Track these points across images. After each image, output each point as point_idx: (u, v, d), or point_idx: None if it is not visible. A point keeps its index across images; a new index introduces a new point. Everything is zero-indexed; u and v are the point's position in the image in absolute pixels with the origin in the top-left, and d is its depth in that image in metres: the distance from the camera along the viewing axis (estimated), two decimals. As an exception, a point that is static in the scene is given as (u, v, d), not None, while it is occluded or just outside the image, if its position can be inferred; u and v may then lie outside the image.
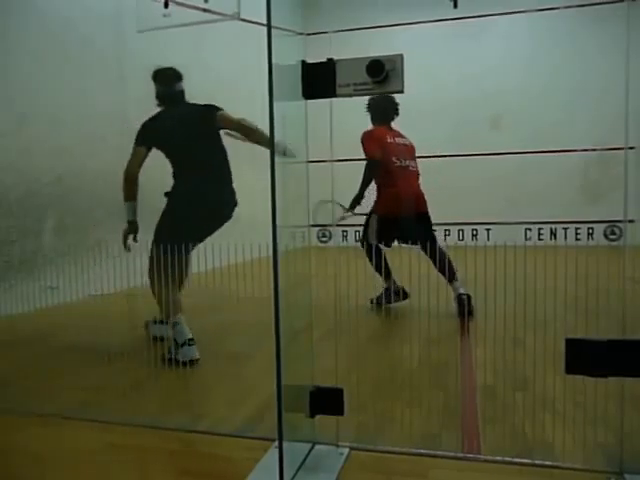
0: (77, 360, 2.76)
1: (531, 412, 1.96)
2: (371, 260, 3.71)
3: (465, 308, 3.33)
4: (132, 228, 3.02)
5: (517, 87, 8.00)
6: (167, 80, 3.08)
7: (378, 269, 3.74)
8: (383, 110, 3.84)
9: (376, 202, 3.77)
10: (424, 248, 3.35)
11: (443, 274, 3.43)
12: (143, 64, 5.21)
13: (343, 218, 3.80)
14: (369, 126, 3.88)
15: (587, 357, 1.42)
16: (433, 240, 3.70)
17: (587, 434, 1.75)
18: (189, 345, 2.65)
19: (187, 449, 1.73)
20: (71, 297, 3.67)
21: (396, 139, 3.83)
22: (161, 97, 3.11)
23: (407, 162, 3.80)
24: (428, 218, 3.82)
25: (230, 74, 6.44)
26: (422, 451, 1.64)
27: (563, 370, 1.44)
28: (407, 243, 3.54)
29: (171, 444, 1.76)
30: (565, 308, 2.96)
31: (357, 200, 3.73)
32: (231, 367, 2.60)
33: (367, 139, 3.77)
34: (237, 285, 3.25)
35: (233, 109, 6.22)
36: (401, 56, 1.39)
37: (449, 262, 3.52)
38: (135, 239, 3.00)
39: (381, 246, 3.76)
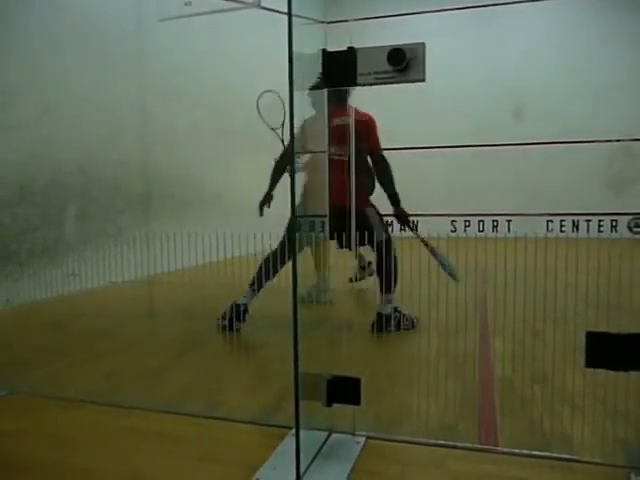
0: (97, 345, 2.81)
1: (550, 405, 1.95)
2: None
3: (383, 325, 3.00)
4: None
5: (544, 77, 7.88)
6: None
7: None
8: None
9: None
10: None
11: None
12: (163, 53, 5.26)
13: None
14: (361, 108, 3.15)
15: (608, 351, 1.40)
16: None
17: (607, 428, 1.73)
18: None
19: (205, 435, 1.75)
20: (92, 284, 3.73)
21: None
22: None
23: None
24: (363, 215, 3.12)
25: (251, 63, 6.43)
26: (439, 442, 1.64)
27: (583, 364, 1.43)
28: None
29: (190, 429, 1.78)
30: (586, 301, 2.92)
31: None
32: (249, 355, 2.62)
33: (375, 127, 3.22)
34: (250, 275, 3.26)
35: (253, 98, 6.23)
36: (423, 45, 1.38)
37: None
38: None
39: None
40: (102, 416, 1.90)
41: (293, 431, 1.41)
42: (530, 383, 2.18)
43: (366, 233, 2.78)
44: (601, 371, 1.42)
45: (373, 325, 2.96)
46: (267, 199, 3.42)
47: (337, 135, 2.91)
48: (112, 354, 2.67)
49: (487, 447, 1.63)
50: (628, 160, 6.95)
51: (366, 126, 3.14)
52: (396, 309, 3.03)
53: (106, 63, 4.72)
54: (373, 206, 3.18)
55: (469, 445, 1.63)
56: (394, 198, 3.11)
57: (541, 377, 2.22)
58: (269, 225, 3.20)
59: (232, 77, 6.27)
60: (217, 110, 6.06)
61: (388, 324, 2.98)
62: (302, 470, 1.42)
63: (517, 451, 1.59)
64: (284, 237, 2.86)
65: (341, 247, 2.85)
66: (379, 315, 2.98)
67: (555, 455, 1.55)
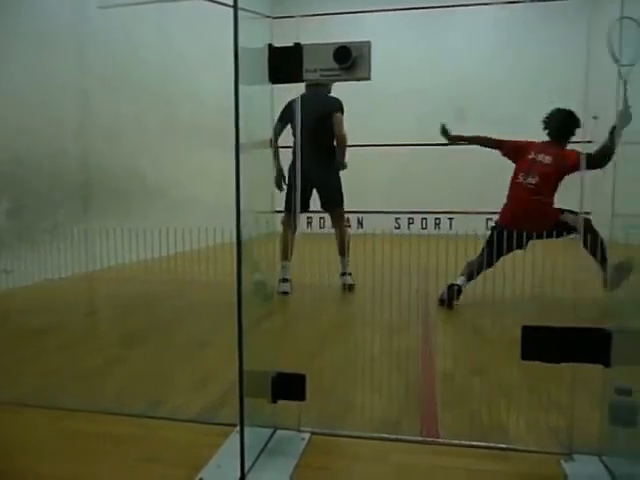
0: (33, 345, 2.70)
1: (488, 397, 2.02)
2: None
3: None
4: (279, 173, 3.88)
5: (481, 78, 8.11)
6: None
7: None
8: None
9: None
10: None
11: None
12: (105, 42, 5.09)
13: None
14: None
15: (542, 344, 1.46)
16: None
17: (540, 418, 1.81)
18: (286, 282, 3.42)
19: (146, 435, 1.71)
20: (27, 281, 3.58)
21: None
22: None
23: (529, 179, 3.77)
24: None
25: (197, 56, 6.32)
26: (382, 435, 1.67)
27: (519, 356, 1.49)
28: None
29: (130, 430, 1.74)
30: (523, 296, 3.04)
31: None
32: (193, 352, 2.58)
33: None
34: (200, 270, 3.23)
35: (199, 92, 6.13)
36: (369, 43, 1.39)
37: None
38: (285, 181, 3.89)
39: None
40: (39, 418, 1.83)
41: (238, 428, 1.40)
42: (470, 376, 2.25)
43: None
44: (536, 363, 1.49)
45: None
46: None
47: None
48: (49, 353, 2.56)
49: (428, 439, 1.67)
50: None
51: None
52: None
53: (46, 51, 4.52)
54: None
55: (411, 438, 1.67)
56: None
57: (480, 370, 2.29)
58: (217, 219, 3.16)
59: (178, 69, 6.14)
60: (162, 101, 5.92)
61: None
62: (247, 468, 1.41)
63: (456, 442, 1.64)
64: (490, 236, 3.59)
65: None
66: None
67: (492, 445, 1.61)
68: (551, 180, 3.67)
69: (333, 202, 3.98)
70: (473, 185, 7.88)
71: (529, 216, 3.68)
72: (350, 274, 3.88)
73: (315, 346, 2.59)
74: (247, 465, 1.41)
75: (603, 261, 3.34)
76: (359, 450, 1.61)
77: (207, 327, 3.02)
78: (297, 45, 1.43)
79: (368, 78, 1.41)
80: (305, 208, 3.93)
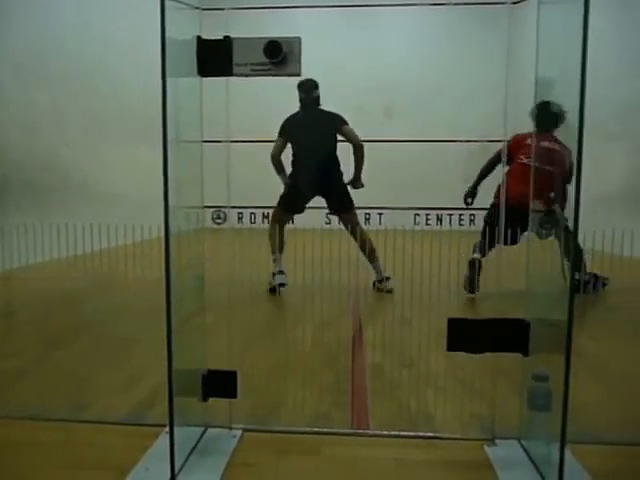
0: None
1: (415, 388, 2.08)
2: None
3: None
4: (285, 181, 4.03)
5: (410, 78, 8.31)
6: (307, 88, 3.92)
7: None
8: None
9: None
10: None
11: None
12: (20, 28, 4.79)
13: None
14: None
15: (465, 335, 1.52)
16: None
17: (464, 406, 1.89)
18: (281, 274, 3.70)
19: (71, 440, 1.64)
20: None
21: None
22: (302, 102, 3.99)
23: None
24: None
25: (123, 45, 6.09)
26: (314, 429, 1.69)
27: (445, 348, 1.54)
28: None
29: (52, 436, 1.66)
30: (449, 289, 3.16)
31: None
32: (120, 352, 2.50)
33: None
34: (127, 267, 3.12)
35: (125, 83, 5.91)
36: (299, 39, 1.39)
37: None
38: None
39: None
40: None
41: (167, 429, 1.37)
42: (399, 368, 2.31)
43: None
44: (461, 353, 1.55)
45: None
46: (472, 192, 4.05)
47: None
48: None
49: (359, 431, 1.71)
50: (485, 159, 7.57)
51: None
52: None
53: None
54: None
55: (342, 430, 1.70)
56: None
57: (408, 362, 2.36)
58: (144, 215, 3.07)
59: (103, 58, 5.89)
60: (84, 92, 5.66)
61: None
62: (177, 469, 1.38)
63: (386, 432, 1.68)
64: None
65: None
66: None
67: (420, 434, 1.67)
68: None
69: (344, 206, 4.00)
70: (398, 180, 8.08)
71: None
72: (389, 278, 3.79)
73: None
74: (177, 466, 1.39)
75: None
76: (291, 445, 1.62)
77: (134, 326, 2.93)
78: (227, 38, 1.41)
79: (298, 74, 1.41)
80: (301, 211, 4.06)
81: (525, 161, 3.81)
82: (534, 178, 3.26)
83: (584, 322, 3.02)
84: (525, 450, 1.56)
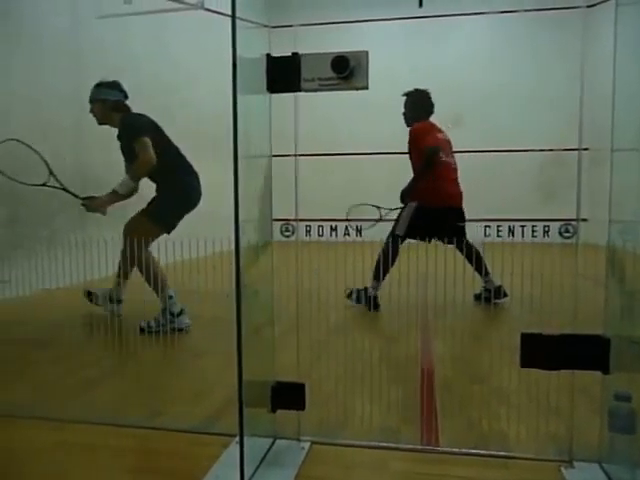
0: (30, 356, 2.68)
1: (487, 405, 2.01)
2: (387, 254, 3.54)
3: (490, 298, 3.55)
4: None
5: (478, 86, 8.15)
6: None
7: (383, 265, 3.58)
8: (422, 106, 4.06)
9: (415, 193, 3.73)
10: (457, 244, 3.48)
11: (478, 272, 3.46)
12: (102, 51, 5.10)
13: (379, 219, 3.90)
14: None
15: (540, 351, 1.46)
16: (463, 236, 3.69)
17: (539, 425, 1.80)
18: (183, 314, 3.12)
19: (143, 446, 1.70)
20: (23, 291, 3.56)
21: (439, 134, 3.90)
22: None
23: (448, 158, 3.84)
24: (462, 214, 3.83)
25: (194, 66, 6.34)
26: (382, 444, 1.67)
27: (518, 364, 1.49)
28: (439, 238, 3.36)
29: (126, 441, 1.73)
30: (521, 304, 3.04)
31: (408, 192, 3.74)
32: (192, 362, 2.57)
33: (421, 132, 3.85)
34: (199, 279, 3.22)
35: (197, 101, 6.13)
36: (366, 53, 1.40)
37: (478, 258, 3.52)
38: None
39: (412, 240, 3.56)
40: (34, 431, 1.81)
41: (237, 439, 1.40)
42: (469, 384, 2.24)
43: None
44: (535, 370, 1.49)
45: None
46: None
47: (451, 147, 3.96)
48: (46, 364, 2.55)
49: (428, 447, 1.67)
50: (559, 168, 7.28)
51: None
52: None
53: (40, 58, 4.52)
54: None
55: (411, 446, 1.66)
56: None
57: (479, 378, 2.29)
58: (216, 229, 3.15)
59: (175, 78, 6.15)
60: (157, 112, 5.92)
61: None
62: (247, 478, 1.40)
63: (457, 450, 1.63)
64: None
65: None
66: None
67: (492, 452, 1.61)
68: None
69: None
70: (469, 190, 7.92)
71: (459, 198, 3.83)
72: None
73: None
74: (247, 476, 1.40)
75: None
76: (359, 459, 1.60)
77: (205, 337, 3.01)
78: (295, 55, 1.44)
79: (366, 87, 1.42)
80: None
81: (447, 159, 3.81)
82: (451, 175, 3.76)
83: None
84: (606, 474, 1.47)
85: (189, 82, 6.35)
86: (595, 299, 1.52)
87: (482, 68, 8.31)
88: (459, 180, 3.90)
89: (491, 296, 3.50)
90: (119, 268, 3.34)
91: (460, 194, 3.86)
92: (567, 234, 8.38)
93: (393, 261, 3.50)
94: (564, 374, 1.48)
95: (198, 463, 1.54)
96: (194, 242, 3.03)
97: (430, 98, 4.11)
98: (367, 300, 3.52)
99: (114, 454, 1.65)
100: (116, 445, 1.71)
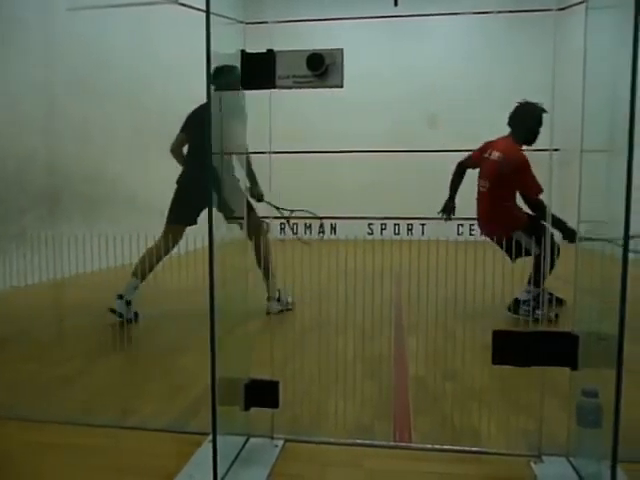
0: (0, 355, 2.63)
1: (460, 401, 2.04)
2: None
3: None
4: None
5: (454, 87, 8.23)
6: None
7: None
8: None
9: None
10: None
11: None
12: (75, 44, 5.00)
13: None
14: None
15: (512, 348, 1.48)
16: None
17: (510, 421, 1.83)
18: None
19: (118, 445, 1.68)
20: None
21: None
22: None
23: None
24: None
25: (171, 61, 6.26)
26: (356, 441, 1.67)
27: (490, 361, 1.51)
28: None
29: (100, 440, 1.70)
30: (493, 301, 3.08)
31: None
32: (165, 361, 2.55)
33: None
34: (172, 277, 3.19)
35: (172, 95, 6.06)
36: (341, 51, 1.40)
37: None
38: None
39: None
40: (6, 431, 1.78)
41: (210, 437, 1.39)
42: (442, 381, 2.27)
43: None
44: (506, 367, 1.51)
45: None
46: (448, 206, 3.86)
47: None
48: (16, 363, 2.50)
49: (402, 444, 1.68)
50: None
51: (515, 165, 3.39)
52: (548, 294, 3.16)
53: (9, 50, 4.41)
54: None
55: (385, 443, 1.68)
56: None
57: (452, 374, 2.32)
58: (191, 227, 3.13)
59: (149, 73, 6.07)
60: (132, 106, 5.85)
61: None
62: (220, 477, 1.40)
63: (429, 446, 1.65)
64: None
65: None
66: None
67: (464, 448, 1.63)
68: (501, 180, 3.37)
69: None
70: (441, 190, 8.00)
71: (487, 223, 3.58)
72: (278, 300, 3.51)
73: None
74: (220, 474, 1.40)
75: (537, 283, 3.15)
76: (333, 456, 1.61)
77: (178, 335, 2.98)
78: (270, 51, 1.43)
79: (341, 85, 1.42)
80: None
81: (478, 184, 3.64)
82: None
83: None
84: (574, 468, 1.50)
85: (166, 77, 6.28)
86: (565, 297, 1.55)
87: (458, 68, 8.39)
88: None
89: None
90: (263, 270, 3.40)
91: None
92: (538, 233, 8.52)
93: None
94: (534, 371, 1.50)
95: (171, 462, 1.53)
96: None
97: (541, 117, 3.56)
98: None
99: (86, 454, 1.63)
100: (88, 444, 1.68)
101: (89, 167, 5.20)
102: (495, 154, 3.50)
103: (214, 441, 1.36)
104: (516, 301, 3.26)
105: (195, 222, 3.31)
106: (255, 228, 3.31)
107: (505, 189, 3.40)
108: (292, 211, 3.86)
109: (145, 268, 3.22)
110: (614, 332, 1.24)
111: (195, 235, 2.52)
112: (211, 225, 1.32)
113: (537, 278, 3.18)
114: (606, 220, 1.36)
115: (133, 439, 1.71)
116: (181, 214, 3.40)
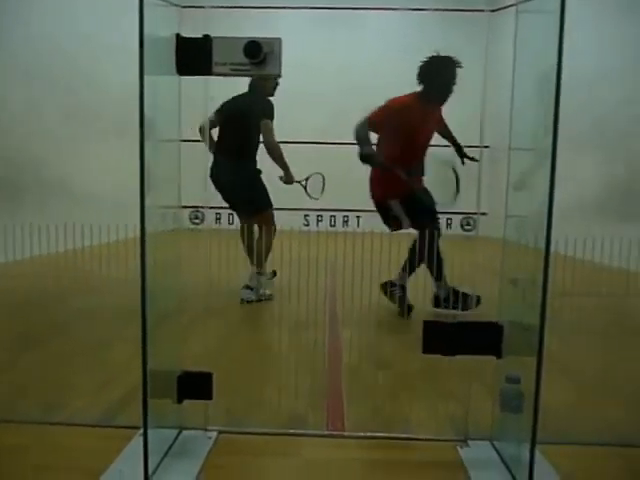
0: None
1: (391, 390, 2.09)
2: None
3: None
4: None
5: (389, 81, 8.34)
6: None
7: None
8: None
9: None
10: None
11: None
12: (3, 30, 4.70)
13: None
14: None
15: (441, 338, 1.54)
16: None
17: (439, 408, 1.90)
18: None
19: (43, 442, 1.61)
20: None
21: None
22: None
23: None
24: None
25: (102, 44, 6.00)
26: (289, 431, 1.69)
27: (421, 350, 1.55)
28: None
29: (24, 438, 1.63)
30: (424, 292, 3.18)
31: None
32: (94, 353, 2.46)
33: None
34: (102, 267, 3.08)
35: (103, 78, 5.83)
36: (279, 40, 1.39)
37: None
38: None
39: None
40: None
41: (141, 431, 1.36)
42: (375, 370, 2.32)
43: None
44: (436, 356, 1.56)
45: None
46: None
47: None
48: None
49: (335, 433, 1.71)
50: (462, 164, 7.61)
51: None
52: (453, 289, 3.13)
53: None
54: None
55: (318, 432, 1.70)
56: None
57: (384, 364, 2.37)
58: (119, 214, 3.02)
59: (79, 55, 5.80)
60: (59, 88, 5.57)
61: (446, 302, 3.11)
62: (150, 471, 1.37)
63: (362, 434, 1.68)
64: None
65: None
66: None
67: (395, 435, 1.67)
68: (384, 136, 3.27)
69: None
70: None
71: (370, 186, 3.36)
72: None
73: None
74: (151, 468, 1.37)
75: (439, 277, 3.11)
76: (266, 446, 1.61)
77: (108, 327, 2.89)
78: (207, 37, 1.40)
79: (279, 75, 1.41)
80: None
81: None
82: None
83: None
84: (497, 451, 1.58)
85: (97, 60, 6.02)
86: (491, 289, 1.62)
87: (394, 62, 8.52)
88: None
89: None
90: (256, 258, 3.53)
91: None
92: (468, 227, 8.84)
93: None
94: (463, 359, 1.56)
95: (100, 457, 1.48)
96: (97, 229, 2.89)
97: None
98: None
99: (10, 452, 1.55)
100: (13, 443, 1.60)
101: (12, 152, 4.92)
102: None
103: (145, 435, 1.33)
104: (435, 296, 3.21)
105: None
106: (267, 218, 3.63)
107: (388, 147, 3.22)
108: (307, 179, 3.91)
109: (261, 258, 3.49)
110: (536, 322, 1.31)
111: (127, 224, 2.44)
112: (143, 214, 1.28)
113: (412, 263, 3.14)
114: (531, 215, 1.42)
115: (60, 435, 1.65)
116: (267, 198, 3.69)
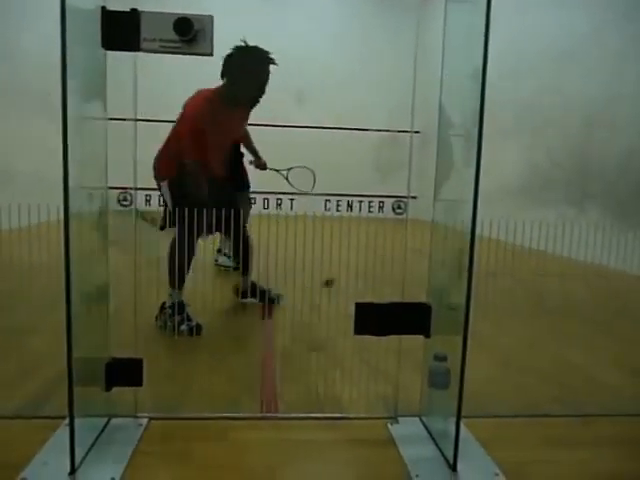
0: None
1: (324, 371, 2.12)
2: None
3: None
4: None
5: (322, 64, 8.34)
6: None
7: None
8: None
9: None
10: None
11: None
12: None
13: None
14: None
15: (372, 319, 1.57)
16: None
17: (370, 387, 1.95)
18: None
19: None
20: None
21: None
22: None
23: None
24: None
25: (23, 14, 5.62)
26: (222, 415, 1.68)
27: (352, 331, 1.58)
28: None
29: None
30: (357, 275, 3.23)
31: None
32: (15, 341, 2.34)
33: None
34: (21, 251, 2.92)
35: (26, 52, 5.49)
36: (211, 17, 1.36)
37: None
38: None
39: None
40: None
41: (67, 421, 1.31)
42: (307, 352, 2.34)
43: None
44: (367, 336, 1.60)
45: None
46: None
47: None
48: None
49: (268, 415, 1.72)
50: (394, 149, 7.76)
51: None
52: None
53: None
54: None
55: (251, 415, 1.70)
56: None
57: (317, 346, 2.40)
58: (39, 195, 2.86)
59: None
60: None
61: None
62: (77, 461, 1.33)
63: (294, 415, 1.70)
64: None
65: None
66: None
67: (327, 415, 1.71)
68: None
69: None
70: (310, 166, 8.16)
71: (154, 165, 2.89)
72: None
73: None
74: (78, 459, 1.33)
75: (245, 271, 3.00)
76: (199, 431, 1.60)
77: (30, 314, 2.75)
78: (134, 11, 1.35)
79: (210, 54, 1.38)
80: None
81: None
82: None
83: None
84: (425, 426, 1.65)
85: (16, 31, 5.64)
86: (421, 270, 1.67)
87: (327, 46, 8.52)
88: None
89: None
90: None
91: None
92: (399, 210, 9.04)
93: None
94: (391, 339, 1.61)
95: (22, 450, 1.42)
96: (16, 209, 2.73)
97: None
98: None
99: None
100: None
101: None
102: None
103: (71, 424, 1.29)
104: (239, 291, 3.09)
105: None
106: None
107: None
108: (289, 170, 3.92)
109: None
110: (462, 302, 1.37)
111: (49, 205, 2.32)
112: (67, 195, 1.22)
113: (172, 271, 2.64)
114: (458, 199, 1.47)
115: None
116: None
